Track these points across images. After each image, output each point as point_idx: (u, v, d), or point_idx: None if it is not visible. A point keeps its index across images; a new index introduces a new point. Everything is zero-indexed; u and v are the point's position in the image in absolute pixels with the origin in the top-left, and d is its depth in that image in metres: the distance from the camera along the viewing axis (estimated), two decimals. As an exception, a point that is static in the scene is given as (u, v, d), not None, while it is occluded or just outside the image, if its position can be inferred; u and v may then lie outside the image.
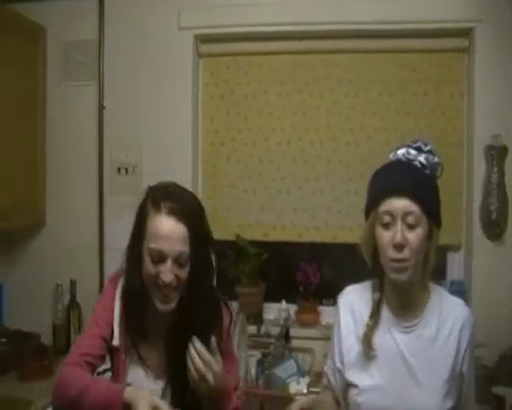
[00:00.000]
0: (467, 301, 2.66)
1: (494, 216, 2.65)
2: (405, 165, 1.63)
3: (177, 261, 1.59)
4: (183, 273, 1.61)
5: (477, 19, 2.74)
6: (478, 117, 2.73)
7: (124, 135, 3.12)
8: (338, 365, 1.76)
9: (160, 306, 1.63)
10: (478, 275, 2.72)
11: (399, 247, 1.54)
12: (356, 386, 1.68)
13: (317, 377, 1.83)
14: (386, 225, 1.58)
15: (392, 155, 1.70)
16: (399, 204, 1.55)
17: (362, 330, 1.69)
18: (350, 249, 2.90)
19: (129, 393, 1.49)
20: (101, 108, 3.12)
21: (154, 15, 3.06)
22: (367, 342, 1.66)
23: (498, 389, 2.28)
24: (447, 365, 1.60)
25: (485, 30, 2.72)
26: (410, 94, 2.89)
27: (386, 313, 1.70)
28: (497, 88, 2.71)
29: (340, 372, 1.75)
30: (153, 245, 1.58)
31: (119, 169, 3.12)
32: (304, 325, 2.94)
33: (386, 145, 2.86)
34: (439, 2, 2.77)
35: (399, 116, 2.90)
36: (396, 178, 1.61)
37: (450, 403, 1.59)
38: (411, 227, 1.55)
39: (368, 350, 1.66)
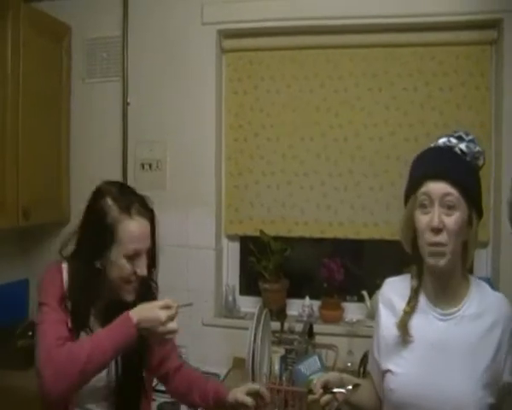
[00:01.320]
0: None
1: (522, 212, 2.59)
2: (445, 150, 1.64)
3: (148, 255, 1.79)
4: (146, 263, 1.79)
5: (506, 9, 2.67)
6: (506, 110, 2.68)
7: (148, 131, 3.13)
8: (376, 355, 1.80)
9: (129, 297, 1.76)
10: (506, 272, 2.66)
11: (437, 230, 1.54)
12: (390, 372, 1.69)
13: (356, 384, 1.82)
14: (424, 209, 1.58)
15: (433, 144, 1.70)
16: (437, 187, 1.55)
17: (399, 317, 1.69)
18: (374, 246, 2.92)
19: (133, 313, 1.61)
20: (125, 104, 3.13)
21: (177, 11, 3.06)
22: (403, 327, 1.67)
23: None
24: (485, 358, 1.58)
25: (515, 21, 2.66)
26: (435, 88, 2.84)
27: (423, 300, 1.70)
28: (526, 80, 2.64)
29: (377, 363, 1.77)
30: (130, 246, 1.70)
31: (142, 165, 3.13)
32: (327, 321, 2.92)
33: (411, 140, 2.85)
34: (466, -7, 2.71)
35: (424, 111, 2.85)
36: (435, 162, 1.61)
37: (488, 399, 1.56)
38: (449, 211, 1.54)
39: (404, 336, 1.67)
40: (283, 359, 2.60)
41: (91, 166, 3.19)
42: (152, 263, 1.89)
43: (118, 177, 3.13)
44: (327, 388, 1.68)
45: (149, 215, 1.82)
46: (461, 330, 1.61)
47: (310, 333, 2.70)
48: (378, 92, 2.92)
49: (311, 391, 1.69)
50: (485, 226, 2.78)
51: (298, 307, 3.00)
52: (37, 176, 2.89)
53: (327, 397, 1.66)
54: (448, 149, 1.63)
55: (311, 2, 2.89)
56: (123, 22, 3.12)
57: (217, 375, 2.78)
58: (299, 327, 2.77)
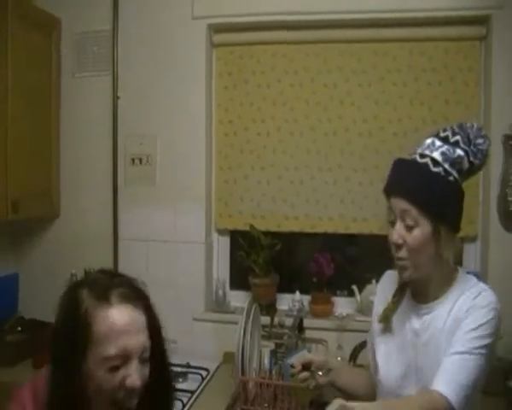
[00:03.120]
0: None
1: (511, 207, 2.61)
2: (409, 164, 1.63)
3: (141, 357, 1.25)
4: (147, 371, 1.28)
5: (495, 6, 2.68)
6: (495, 106, 2.69)
7: (138, 125, 3.12)
8: (373, 341, 1.85)
9: None
10: (494, 267, 2.68)
11: (396, 246, 1.59)
12: (377, 364, 1.77)
13: (329, 369, 1.88)
14: (391, 224, 1.62)
15: (421, 144, 1.67)
16: (396, 204, 1.60)
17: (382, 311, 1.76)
18: (364, 240, 2.92)
19: None
20: (115, 98, 3.12)
21: (167, 5, 3.05)
22: (383, 318, 1.74)
23: (513, 384, 2.25)
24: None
25: (504, 17, 2.66)
26: (424, 83, 2.85)
27: (409, 296, 1.75)
28: (515, 76, 2.65)
29: (373, 349, 1.84)
30: (111, 350, 1.20)
31: (133, 159, 3.13)
32: (317, 315, 2.93)
33: (400, 136, 2.85)
34: (456, -12, 2.72)
35: (413, 106, 2.85)
36: (395, 178, 1.64)
37: None
38: (409, 228, 1.57)
39: (384, 327, 1.75)
40: (273, 353, 2.60)
41: (81, 160, 3.19)
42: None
43: (108, 171, 3.14)
44: (308, 367, 1.79)
45: (141, 301, 1.32)
46: (437, 323, 1.64)
47: (300, 328, 2.71)
48: (368, 87, 2.92)
49: (292, 366, 1.81)
50: (474, 221, 2.81)
51: (288, 302, 3.00)
52: (27, 170, 2.88)
53: (305, 374, 1.79)
54: (414, 162, 1.62)
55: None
56: (113, 16, 3.10)
57: (206, 369, 2.79)
58: (289, 322, 2.77)
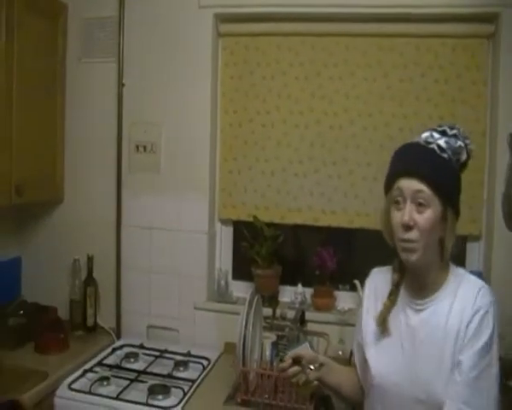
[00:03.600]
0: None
1: (516, 208, 2.61)
2: (420, 147, 1.67)
3: None
4: None
5: (504, 3, 2.66)
6: (502, 105, 2.68)
7: (143, 113, 3.11)
8: (360, 340, 1.88)
9: None
10: (498, 266, 2.69)
11: (407, 227, 1.60)
12: (370, 361, 1.78)
13: (322, 364, 1.90)
14: (397, 205, 1.64)
15: (417, 138, 1.73)
16: (408, 184, 1.61)
17: (379, 309, 1.78)
18: (367, 235, 2.94)
19: None
20: (120, 85, 3.11)
21: (174, -6, 3.04)
22: (382, 320, 1.75)
23: (514, 383, 2.27)
24: (452, 341, 1.63)
25: (512, 15, 2.66)
26: (430, 80, 2.84)
27: (404, 293, 1.77)
28: (523, 76, 2.66)
29: (362, 347, 1.86)
30: None
31: (137, 147, 3.13)
32: (319, 309, 2.94)
33: (405, 131, 2.84)
34: (465, -16, 2.71)
35: (419, 102, 2.85)
36: (407, 159, 1.66)
37: None
38: (420, 208, 1.59)
39: (382, 329, 1.75)
40: (274, 345, 2.62)
41: (86, 146, 3.20)
42: None
43: (112, 158, 3.15)
44: (299, 362, 1.78)
45: None
46: (435, 320, 1.67)
47: (301, 320, 2.73)
48: (373, 82, 2.92)
49: (282, 360, 1.80)
50: (478, 220, 2.82)
51: (290, 294, 3.02)
52: (32, 154, 2.88)
53: (295, 369, 1.78)
54: (423, 145, 1.66)
55: (307, -11, 2.87)
56: (119, 3, 3.08)
57: (207, 359, 2.81)
58: (291, 314, 2.80)
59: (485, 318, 1.61)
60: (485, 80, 2.80)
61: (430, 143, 1.65)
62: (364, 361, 1.83)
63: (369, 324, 1.83)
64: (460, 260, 2.82)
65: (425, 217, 1.59)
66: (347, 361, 2.38)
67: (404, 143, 1.73)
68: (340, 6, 2.85)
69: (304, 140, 3.00)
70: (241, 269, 3.19)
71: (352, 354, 2.02)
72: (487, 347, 1.60)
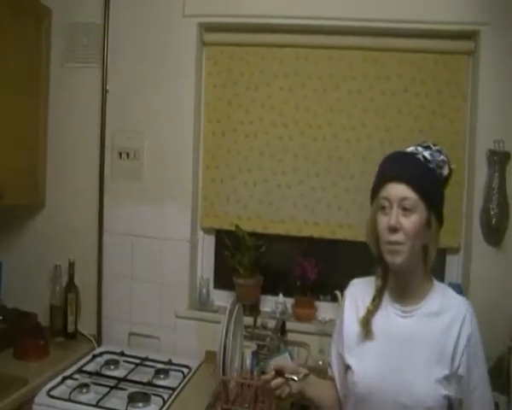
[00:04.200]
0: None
1: (494, 221, 2.66)
2: (407, 155, 1.74)
3: None
4: None
5: (483, 22, 2.72)
6: (481, 121, 2.74)
7: (126, 119, 3.11)
8: (339, 350, 1.90)
9: None
10: (476, 279, 2.74)
11: (393, 230, 1.65)
12: (353, 366, 1.78)
13: (311, 372, 1.91)
14: (384, 210, 1.69)
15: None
16: (395, 190, 1.66)
17: (362, 314, 1.80)
18: (349, 246, 2.96)
19: None
20: (104, 91, 3.11)
21: (158, 2, 3.04)
22: (365, 324, 1.78)
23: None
24: (443, 353, 1.68)
25: (492, 33, 2.71)
26: (412, 94, 2.88)
27: (386, 298, 1.81)
28: (501, 93, 2.71)
29: (341, 357, 1.87)
30: None
31: (120, 153, 3.12)
32: (300, 319, 2.96)
33: (387, 144, 2.88)
34: (447, 3, 2.75)
35: (401, 116, 2.89)
36: (396, 166, 1.72)
37: (445, 391, 1.66)
38: (407, 213, 1.65)
39: (366, 333, 1.77)
40: (255, 354, 2.62)
41: (68, 151, 3.19)
42: None
43: (95, 164, 3.14)
44: (281, 373, 1.78)
45: None
46: (420, 326, 1.72)
47: (282, 330, 2.75)
48: (357, 95, 2.95)
49: (264, 373, 1.77)
50: (457, 233, 2.87)
51: (271, 304, 3.04)
52: (13, 158, 2.86)
53: (278, 381, 1.78)
54: (411, 154, 1.73)
55: (292, 2, 2.89)
56: (104, 9, 3.08)
57: (188, 367, 2.81)
58: (271, 323, 2.82)
59: (471, 327, 1.71)
60: (464, 95, 2.85)
61: (416, 153, 1.72)
62: (344, 371, 1.85)
63: (351, 331, 1.84)
64: (439, 273, 2.88)
65: (411, 221, 1.64)
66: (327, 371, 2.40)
67: (392, 152, 1.79)
68: (325, 19, 2.87)
69: (287, 151, 3.02)
70: (223, 278, 3.19)
71: (329, 366, 2.02)
72: (485, 365, 1.76)
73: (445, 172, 1.76)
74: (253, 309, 2.95)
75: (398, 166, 1.70)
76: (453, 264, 2.93)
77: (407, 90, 2.90)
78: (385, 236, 1.67)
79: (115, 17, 3.09)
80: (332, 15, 2.86)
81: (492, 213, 2.66)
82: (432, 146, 1.76)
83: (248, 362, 2.62)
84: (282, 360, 1.95)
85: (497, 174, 2.67)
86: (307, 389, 1.86)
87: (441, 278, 2.85)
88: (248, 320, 2.79)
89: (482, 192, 2.72)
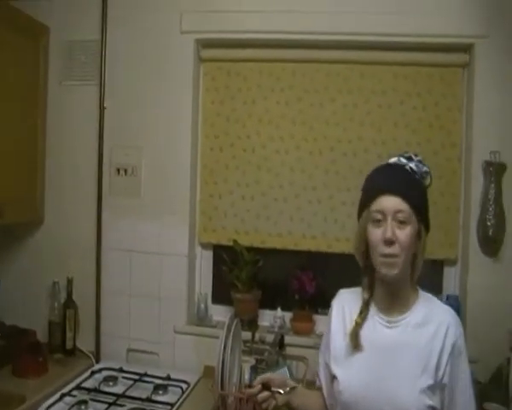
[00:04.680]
0: (462, 315, 2.73)
1: (490, 232, 2.67)
2: (397, 167, 1.77)
3: None
4: None
5: (478, 35, 2.74)
6: (476, 133, 2.75)
7: (124, 136, 3.13)
8: (326, 360, 1.90)
9: None
10: (473, 290, 2.74)
11: (389, 242, 1.65)
12: (339, 376, 1.79)
13: (309, 386, 1.91)
14: (377, 223, 1.69)
15: (385, 163, 1.85)
16: (391, 202, 1.67)
17: (349, 327, 1.80)
18: (346, 259, 2.95)
19: None
20: (101, 108, 3.12)
21: (156, 18, 3.06)
22: (354, 337, 1.78)
23: (490, 406, 2.30)
24: (429, 362, 1.69)
25: (486, 46, 2.74)
26: (409, 107, 2.90)
27: (373, 309, 1.81)
28: (496, 104, 2.72)
29: (328, 367, 1.87)
30: None
31: (118, 170, 3.13)
32: (298, 333, 2.95)
33: (384, 157, 2.81)
34: (441, 16, 2.78)
35: (398, 129, 2.90)
36: (388, 178, 1.73)
37: (429, 401, 1.66)
38: (401, 225, 1.66)
39: (354, 345, 1.77)
40: (253, 369, 2.62)
41: (67, 167, 3.20)
42: None
43: (93, 181, 3.14)
44: (268, 386, 1.78)
45: None
46: (405, 336, 1.73)
47: (281, 344, 2.75)
48: (353, 108, 2.96)
49: (250, 386, 1.75)
50: (454, 245, 2.87)
51: (269, 318, 3.04)
52: (11, 175, 2.86)
53: (265, 394, 1.78)
54: (400, 166, 1.76)
55: (288, 17, 2.91)
56: (101, 26, 3.11)
57: (187, 383, 2.80)
58: (270, 338, 2.82)
59: (456, 335, 1.72)
60: (460, 107, 2.87)
61: (404, 165, 1.75)
62: (331, 380, 1.85)
63: (338, 342, 1.85)
64: (437, 284, 2.90)
65: (405, 233, 1.65)
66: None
67: (380, 165, 1.82)
68: (320, 33, 2.89)
69: (284, 165, 3.03)
70: (221, 293, 3.19)
71: (317, 376, 2.02)
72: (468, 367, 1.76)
73: (428, 181, 1.79)
74: (252, 324, 2.94)
75: (390, 179, 1.72)
76: (450, 275, 2.93)
77: (403, 103, 2.91)
78: (380, 248, 1.68)
79: (113, 34, 3.11)
80: (328, 30, 2.88)
81: (489, 224, 2.67)
82: (413, 157, 1.78)
83: (247, 377, 2.61)
84: (271, 374, 1.93)
85: (493, 185, 2.67)
86: (294, 400, 1.86)
87: (439, 290, 2.89)
88: (247, 335, 2.78)
89: (479, 203, 2.72)
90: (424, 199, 1.75)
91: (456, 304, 2.77)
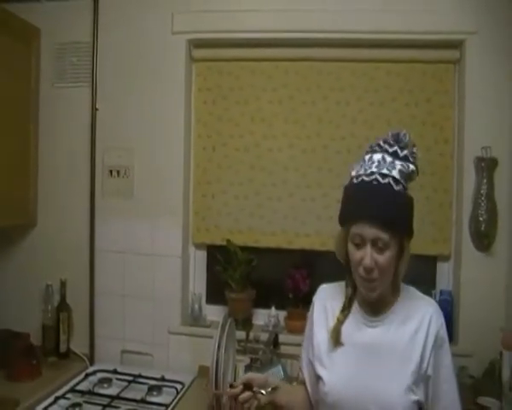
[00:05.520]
0: (455, 310, 2.73)
1: (483, 227, 2.67)
2: (376, 188, 1.65)
3: None
4: None
5: (468, 31, 2.75)
6: (468, 128, 2.76)
7: (116, 137, 3.12)
8: (310, 357, 1.88)
9: None
10: (466, 285, 2.74)
11: (369, 270, 1.63)
12: (324, 378, 1.77)
13: (275, 387, 1.87)
14: (356, 246, 1.66)
15: (367, 158, 1.75)
16: (369, 232, 1.62)
17: (332, 324, 1.79)
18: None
19: None
20: (94, 109, 3.12)
21: (147, 19, 3.06)
22: (335, 334, 1.77)
23: (483, 400, 2.30)
24: (412, 359, 1.68)
25: (476, 42, 2.75)
26: (401, 104, 2.90)
27: (356, 308, 1.80)
28: (487, 100, 2.73)
29: (312, 365, 1.86)
30: None
31: (110, 171, 3.13)
32: (293, 331, 2.94)
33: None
34: (432, 13, 2.79)
35: (390, 126, 2.87)
36: (366, 205, 1.64)
37: (414, 397, 1.66)
38: (380, 250, 1.62)
39: (336, 343, 1.76)
40: (248, 368, 2.62)
41: (59, 170, 3.19)
42: None
43: (85, 183, 3.14)
44: (250, 386, 1.74)
45: None
46: (389, 335, 1.72)
47: (275, 343, 2.74)
48: (345, 106, 2.96)
49: (232, 386, 1.74)
50: (448, 240, 2.87)
51: (264, 317, 3.04)
52: (4, 178, 2.86)
53: (246, 395, 1.73)
54: (379, 183, 1.64)
55: (280, 16, 2.92)
56: (93, 28, 3.10)
57: (181, 383, 2.79)
58: (264, 337, 2.82)
59: (438, 325, 1.72)
60: (452, 104, 2.87)
61: (386, 176, 1.64)
62: (315, 378, 1.83)
63: (320, 339, 1.83)
64: (430, 280, 2.91)
65: (385, 256, 1.62)
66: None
67: (360, 178, 1.70)
68: (312, 32, 2.89)
69: (277, 164, 3.03)
70: (215, 293, 3.18)
71: (300, 370, 1.99)
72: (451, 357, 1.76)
73: (415, 178, 1.74)
74: (246, 323, 2.94)
75: (368, 206, 1.63)
76: (444, 271, 2.93)
77: (396, 100, 2.91)
78: (359, 270, 1.66)
79: (104, 36, 3.11)
80: (319, 29, 2.88)
81: (481, 219, 2.67)
82: (399, 152, 1.70)
83: (241, 376, 2.60)
84: (251, 374, 1.89)
85: (485, 181, 2.68)
86: (278, 399, 1.81)
87: (432, 285, 2.90)
88: (241, 334, 2.78)
89: (471, 199, 2.72)
90: (406, 215, 1.68)
91: (450, 299, 2.77)
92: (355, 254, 1.66)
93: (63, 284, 3.08)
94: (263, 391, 1.75)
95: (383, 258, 1.62)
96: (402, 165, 1.67)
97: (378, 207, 1.62)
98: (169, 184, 3.06)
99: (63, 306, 3.07)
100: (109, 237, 3.12)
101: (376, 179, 1.65)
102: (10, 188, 2.94)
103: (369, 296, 1.70)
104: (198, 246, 3.21)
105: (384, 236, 1.60)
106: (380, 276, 1.64)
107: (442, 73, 2.88)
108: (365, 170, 1.70)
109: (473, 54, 2.76)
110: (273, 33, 2.95)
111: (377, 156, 1.71)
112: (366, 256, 1.62)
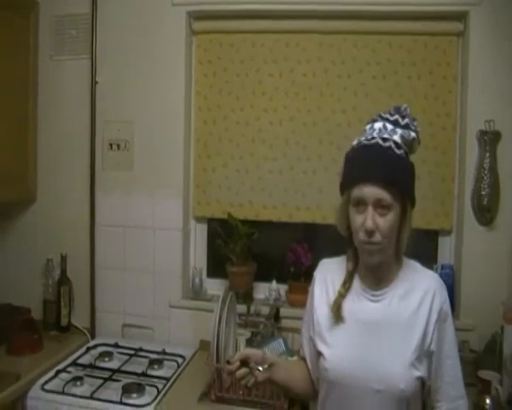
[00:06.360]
0: (457, 285, 2.72)
1: (485, 201, 2.66)
2: (377, 150, 1.63)
3: None
4: None
5: (472, 2, 2.71)
6: (471, 102, 2.72)
7: (116, 111, 3.10)
8: (311, 333, 1.85)
9: None
10: (468, 259, 2.74)
11: (370, 232, 1.59)
12: (324, 353, 1.74)
13: (271, 364, 1.85)
14: (357, 209, 1.62)
15: (368, 127, 1.72)
16: (370, 192, 1.58)
17: (333, 298, 1.76)
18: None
19: None
20: (93, 82, 3.09)
21: (147, -9, 3.02)
22: (336, 308, 1.74)
23: (484, 373, 2.29)
24: (415, 334, 1.66)
25: (480, 14, 2.70)
26: (403, 77, 2.87)
27: (357, 281, 1.77)
28: (490, 73, 2.69)
29: (313, 341, 1.83)
30: None
31: (110, 145, 3.11)
32: (294, 305, 2.94)
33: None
34: (435, -16, 2.74)
35: (392, 99, 2.84)
36: (368, 164, 1.62)
37: (417, 373, 1.64)
38: (382, 212, 1.59)
39: (337, 317, 1.74)
40: (249, 342, 2.63)
41: (59, 144, 3.17)
42: None
43: (85, 156, 3.12)
44: (246, 362, 1.71)
45: None
46: (391, 309, 1.69)
47: (276, 317, 2.74)
48: (347, 79, 2.93)
49: (229, 362, 1.72)
50: (449, 215, 2.85)
51: (265, 291, 3.03)
52: (3, 153, 2.84)
53: (243, 371, 1.69)
54: (381, 146, 1.62)
55: (281, -14, 2.88)
56: (92, 0, 3.06)
57: (182, 357, 2.81)
58: (265, 310, 2.82)
59: (441, 299, 1.70)
60: (455, 77, 2.84)
61: (386, 139, 1.62)
62: (316, 355, 1.81)
63: (321, 314, 1.80)
64: (432, 255, 2.90)
65: (387, 219, 1.59)
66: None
67: (361, 143, 1.68)
68: (313, 3, 2.85)
69: (278, 137, 3.01)
70: (216, 267, 3.19)
71: (300, 346, 1.98)
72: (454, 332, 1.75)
73: (416, 146, 1.71)
74: (247, 297, 2.95)
75: (370, 166, 1.61)
76: (445, 245, 2.93)
77: (398, 73, 2.88)
78: (360, 236, 1.62)
79: (103, 8, 3.07)
80: (321, 0, 2.84)
81: (483, 193, 2.66)
82: (400, 120, 1.66)
83: (242, 350, 2.60)
84: (248, 349, 1.88)
85: (488, 154, 2.66)
86: (276, 376, 1.77)
87: (434, 260, 2.89)
88: (242, 308, 2.80)
89: (473, 173, 2.71)
90: (408, 178, 1.66)
91: (451, 273, 2.77)
92: (356, 219, 1.63)
93: (63, 259, 3.07)
94: (260, 368, 1.71)
95: (385, 221, 1.58)
96: (403, 131, 1.65)
97: (378, 167, 1.59)
98: (169, 158, 3.04)
99: (64, 280, 3.07)
100: (109, 211, 3.11)
101: (377, 143, 1.63)
102: (9, 163, 2.92)
103: (370, 261, 1.66)
104: (199, 219, 3.20)
105: (386, 196, 1.57)
106: (381, 240, 1.60)
107: (445, 45, 2.83)
108: (366, 137, 1.68)
109: (476, 26, 2.71)
110: (273, 5, 2.91)
111: (378, 125, 1.69)
112: (368, 218, 1.58)
